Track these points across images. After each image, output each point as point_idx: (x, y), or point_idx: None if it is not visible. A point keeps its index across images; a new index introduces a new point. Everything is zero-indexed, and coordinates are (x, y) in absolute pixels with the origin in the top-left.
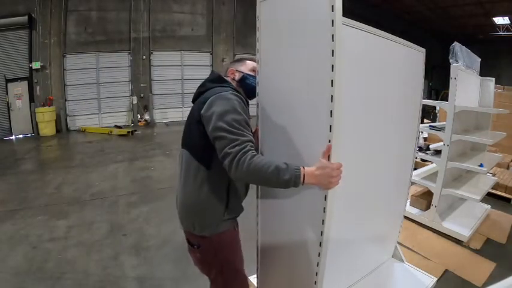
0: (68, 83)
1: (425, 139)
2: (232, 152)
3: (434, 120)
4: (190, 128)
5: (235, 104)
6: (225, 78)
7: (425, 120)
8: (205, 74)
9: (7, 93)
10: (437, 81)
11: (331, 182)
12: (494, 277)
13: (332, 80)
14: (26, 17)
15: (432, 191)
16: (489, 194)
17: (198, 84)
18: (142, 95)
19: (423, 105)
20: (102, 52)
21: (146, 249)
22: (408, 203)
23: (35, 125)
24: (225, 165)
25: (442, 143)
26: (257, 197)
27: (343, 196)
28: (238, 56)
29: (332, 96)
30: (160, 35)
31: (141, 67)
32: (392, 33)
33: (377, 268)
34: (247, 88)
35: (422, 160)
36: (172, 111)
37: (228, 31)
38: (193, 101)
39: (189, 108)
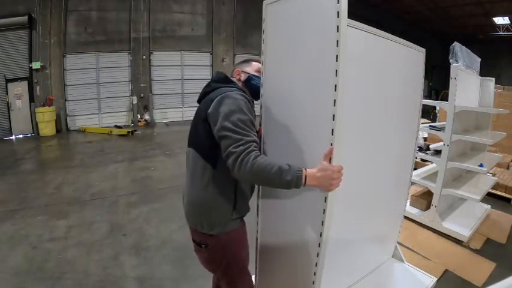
0: (68, 83)
1: (425, 139)
2: (236, 151)
3: (434, 120)
4: (196, 127)
5: (242, 104)
6: (231, 78)
7: (424, 120)
8: (205, 74)
9: (7, 93)
10: (437, 81)
11: (332, 184)
12: (494, 277)
13: (336, 85)
14: (26, 17)
15: (432, 191)
16: (489, 194)
17: (198, 84)
18: (142, 95)
19: (423, 105)
20: (102, 52)
21: (146, 249)
22: (408, 203)
23: (35, 125)
24: (229, 164)
25: (442, 143)
26: (258, 197)
27: (343, 196)
28: (245, 57)
29: (335, 100)
30: (160, 35)
31: (141, 67)
32: (392, 33)
33: (377, 268)
34: (252, 89)
35: (422, 160)
36: (172, 111)
37: (228, 31)
38: (198, 101)
39: (189, 108)
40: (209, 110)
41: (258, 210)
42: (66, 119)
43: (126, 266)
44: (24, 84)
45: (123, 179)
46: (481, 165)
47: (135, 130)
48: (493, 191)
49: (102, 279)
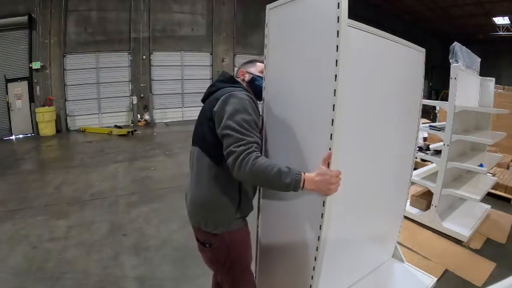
0: (68, 83)
1: (425, 139)
2: (237, 151)
3: (434, 120)
4: (201, 125)
5: (247, 104)
6: (236, 79)
7: (424, 120)
8: (205, 74)
9: (7, 93)
10: (437, 81)
11: (330, 188)
12: (494, 277)
13: (335, 90)
14: (26, 17)
15: (432, 191)
16: (489, 194)
17: (198, 84)
18: (142, 95)
19: (423, 105)
20: (102, 52)
21: (146, 249)
22: (408, 203)
23: (35, 125)
24: (229, 163)
25: (442, 143)
26: (259, 197)
27: (344, 196)
28: (245, 57)
29: (334, 105)
30: (160, 35)
31: (141, 67)
32: (392, 33)
33: (377, 268)
34: (256, 89)
35: (422, 160)
36: (172, 111)
37: (228, 31)
38: (203, 101)
39: (189, 108)
40: (215, 108)
41: (259, 210)
42: (66, 119)
43: (126, 266)
44: (24, 84)
45: (123, 179)
46: (481, 165)
47: (135, 130)
48: (493, 191)
49: (102, 279)
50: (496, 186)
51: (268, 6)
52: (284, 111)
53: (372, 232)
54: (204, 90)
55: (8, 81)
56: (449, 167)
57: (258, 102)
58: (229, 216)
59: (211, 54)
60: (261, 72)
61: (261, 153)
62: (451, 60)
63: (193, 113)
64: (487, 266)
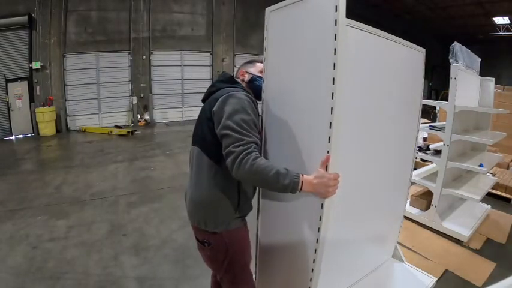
0: (68, 83)
1: (425, 139)
2: (236, 151)
3: (434, 120)
4: (201, 125)
5: (246, 104)
6: (236, 79)
7: (424, 120)
8: (205, 74)
9: (7, 93)
10: (437, 81)
11: (328, 191)
12: (494, 277)
13: (333, 93)
14: (26, 17)
15: (432, 191)
16: (489, 194)
17: (198, 84)
18: (142, 95)
19: (423, 105)
20: (102, 52)
21: (146, 249)
22: (408, 203)
23: (35, 125)
24: (228, 163)
25: (442, 143)
26: (258, 197)
27: (344, 196)
28: (245, 57)
29: (332, 108)
30: (160, 35)
31: (141, 67)
32: (392, 33)
33: (377, 268)
34: (255, 89)
35: (422, 160)
36: (172, 111)
37: (228, 31)
38: (203, 101)
39: (189, 108)
40: (214, 108)
41: (258, 210)
42: (66, 119)
43: (126, 266)
44: (24, 84)
45: (123, 179)
46: (481, 165)
47: (135, 130)
48: (493, 191)
49: (102, 279)
50: (496, 186)
51: (268, 9)
52: (283, 114)
53: (372, 232)
54: (204, 90)
55: (8, 81)
56: (449, 167)
57: (258, 102)
58: (229, 216)
59: (211, 54)
60: (261, 72)
61: (260, 154)
62: (451, 60)
63: (193, 113)
64: (487, 266)
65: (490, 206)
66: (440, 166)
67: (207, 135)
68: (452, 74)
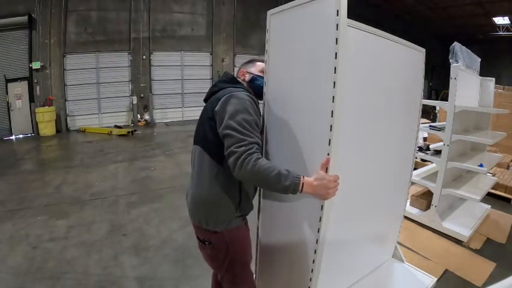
0: (68, 83)
1: (425, 139)
2: (238, 151)
3: (434, 120)
4: (203, 125)
5: (248, 104)
6: (237, 79)
7: (424, 120)
8: (205, 74)
9: (7, 93)
10: (437, 81)
11: (328, 193)
12: (494, 277)
13: (334, 96)
14: (26, 17)
15: (432, 191)
16: (489, 194)
17: (198, 84)
18: (142, 95)
19: (423, 105)
20: (102, 52)
21: (146, 249)
22: (408, 203)
23: (35, 125)
24: (230, 163)
25: (442, 143)
26: (259, 198)
27: (344, 196)
28: (245, 57)
29: (332, 111)
30: (160, 35)
31: (141, 67)
32: (392, 33)
33: (377, 268)
34: (256, 88)
35: (422, 160)
36: (172, 111)
37: (228, 31)
38: (205, 101)
39: (189, 108)
40: (216, 108)
41: (259, 210)
42: (66, 119)
43: (126, 266)
44: (24, 84)
45: (123, 179)
46: (481, 165)
47: (135, 130)
48: (493, 191)
49: (102, 279)
50: (496, 186)
51: (269, 12)
52: (284, 115)
53: (372, 232)
54: (204, 91)
55: (8, 81)
56: (449, 167)
57: (259, 101)
58: (230, 215)
59: (211, 54)
60: (261, 71)
61: (262, 154)
62: (451, 60)
63: (194, 113)
64: (487, 266)
65: (490, 206)
66: (440, 166)
67: (209, 135)
68: (452, 74)
